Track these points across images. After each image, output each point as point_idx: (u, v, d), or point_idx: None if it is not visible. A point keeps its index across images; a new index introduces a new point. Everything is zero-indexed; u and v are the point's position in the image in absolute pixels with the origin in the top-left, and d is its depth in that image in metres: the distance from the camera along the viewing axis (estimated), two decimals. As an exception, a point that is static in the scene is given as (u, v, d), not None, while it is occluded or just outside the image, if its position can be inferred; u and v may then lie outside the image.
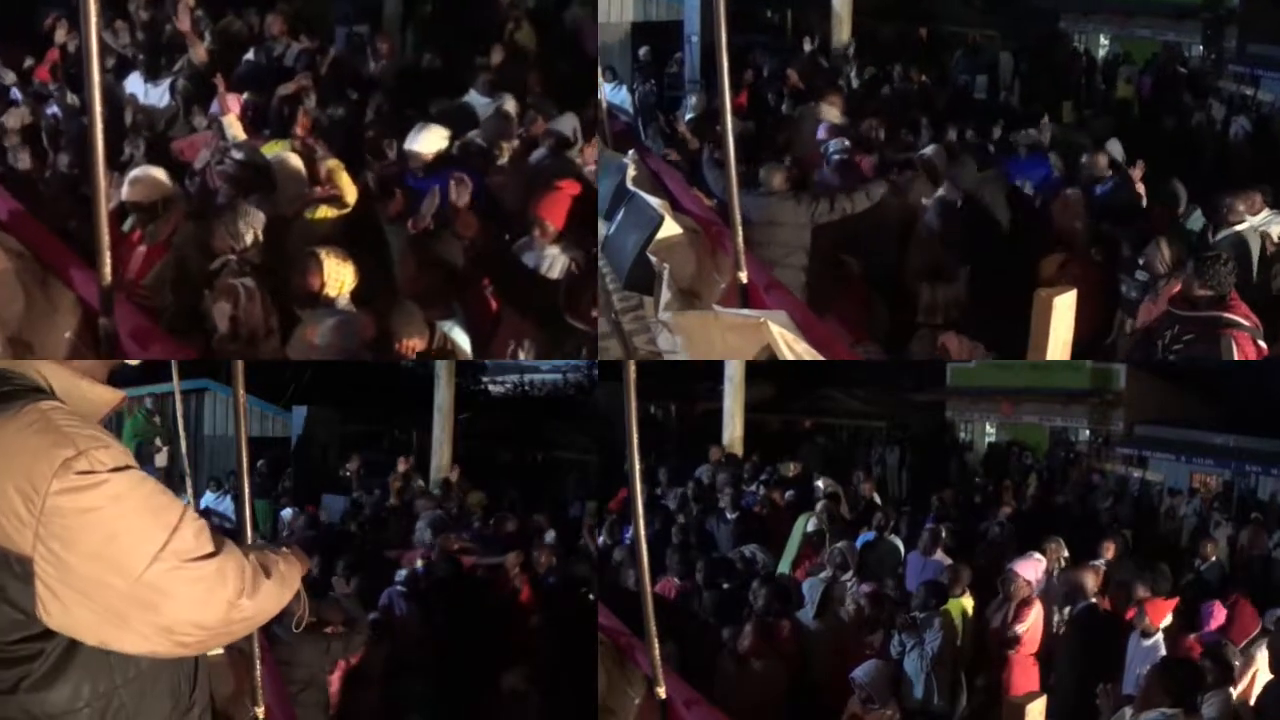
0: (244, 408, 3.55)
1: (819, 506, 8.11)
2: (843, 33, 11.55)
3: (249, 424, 3.74)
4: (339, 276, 4.57)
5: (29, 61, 7.43)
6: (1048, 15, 14.41)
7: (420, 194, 5.61)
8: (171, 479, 5.44)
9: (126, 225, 4.88)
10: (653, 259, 5.58)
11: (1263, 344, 5.07)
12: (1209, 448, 12.85)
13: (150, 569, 1.88)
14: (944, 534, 7.35)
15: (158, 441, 9.95)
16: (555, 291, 5.52)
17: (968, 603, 6.42)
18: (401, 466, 10.22)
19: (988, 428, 14.91)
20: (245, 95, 6.58)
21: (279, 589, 2.12)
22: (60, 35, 7.43)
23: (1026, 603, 6.20)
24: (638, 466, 4.12)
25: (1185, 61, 13.04)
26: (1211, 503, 10.68)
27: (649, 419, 13.72)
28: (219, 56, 7.20)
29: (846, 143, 7.58)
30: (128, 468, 1.91)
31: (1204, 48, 13.48)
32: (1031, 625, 6.17)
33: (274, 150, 5.87)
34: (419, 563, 7.34)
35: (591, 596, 6.98)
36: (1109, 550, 7.12)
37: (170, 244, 4.87)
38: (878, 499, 9.16)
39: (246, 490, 3.42)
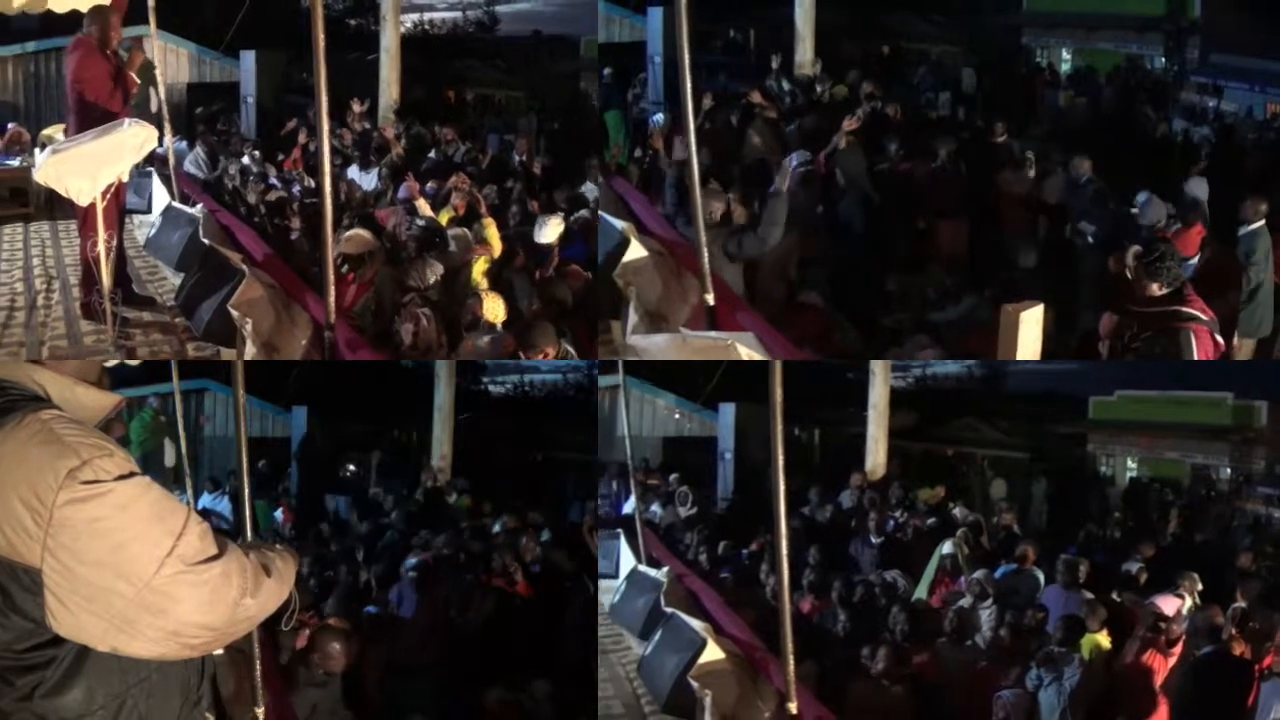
0: (244, 408, 3.60)
1: (958, 534, 7.90)
2: (806, 51, 11.25)
3: (249, 424, 3.82)
4: (495, 309, 5.93)
5: (280, 155, 9.20)
6: (1010, 30, 13.97)
7: (542, 253, 7.11)
8: (180, 478, 5.81)
9: (343, 269, 6.12)
10: (694, 684, 5.29)
11: (1219, 338, 4.92)
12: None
13: (157, 575, 1.83)
14: (1084, 568, 6.99)
15: (166, 441, 9.86)
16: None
17: (1104, 639, 6.10)
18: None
19: (1129, 462, 14.25)
20: (430, 184, 8.22)
21: (279, 586, 2.08)
22: (302, 138, 9.23)
23: (1173, 642, 5.82)
24: (782, 485, 4.01)
25: (1149, 73, 12.59)
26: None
27: (793, 440, 13.18)
28: (410, 154, 9.16)
29: (808, 154, 7.47)
30: (132, 475, 1.85)
31: (1166, 59, 13.08)
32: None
33: (444, 218, 7.39)
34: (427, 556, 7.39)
35: (591, 593, 6.93)
36: (1247, 591, 6.63)
37: (373, 283, 6.20)
38: (1017, 529, 8.83)
39: (246, 490, 3.43)
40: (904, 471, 11.22)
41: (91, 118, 6.22)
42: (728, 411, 12.01)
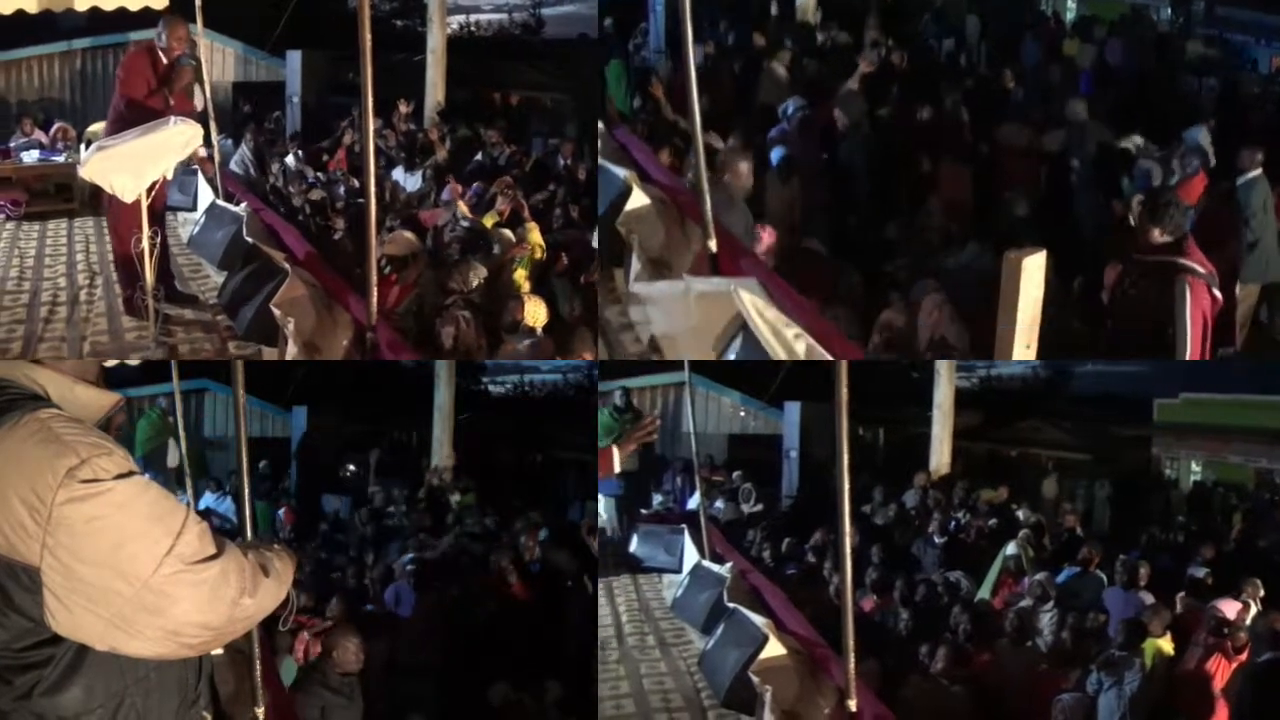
0: (244, 408, 3.57)
1: (1021, 536, 7.93)
2: (809, -1, 11.07)
3: (249, 424, 3.72)
4: (535, 313, 5.96)
5: (325, 156, 9.16)
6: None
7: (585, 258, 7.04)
8: (183, 478, 5.85)
9: (386, 270, 6.13)
10: (754, 679, 5.28)
11: (1217, 292, 4.93)
12: None
13: (156, 574, 1.83)
14: (1146, 571, 7.02)
15: (170, 441, 9.63)
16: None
17: (1166, 644, 6.06)
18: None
19: (1193, 465, 14.10)
20: (476, 185, 8.21)
21: (277, 586, 2.08)
22: (347, 139, 9.18)
23: (1239, 649, 5.74)
24: (846, 482, 4.02)
25: (1154, 24, 12.41)
26: None
27: (857, 439, 12.83)
28: (455, 156, 9.16)
29: (804, 100, 7.54)
30: (131, 474, 1.85)
31: (1172, 10, 12.90)
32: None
33: (489, 222, 7.34)
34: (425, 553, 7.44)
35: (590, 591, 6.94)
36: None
37: (416, 284, 6.23)
38: (1080, 531, 8.81)
39: (246, 490, 3.40)
40: (967, 472, 11.15)
41: (126, 115, 6.29)
42: (793, 410, 12.02)
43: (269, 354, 5.95)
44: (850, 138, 7.96)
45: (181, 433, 6.30)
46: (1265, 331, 7.49)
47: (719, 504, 9.82)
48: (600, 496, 9.91)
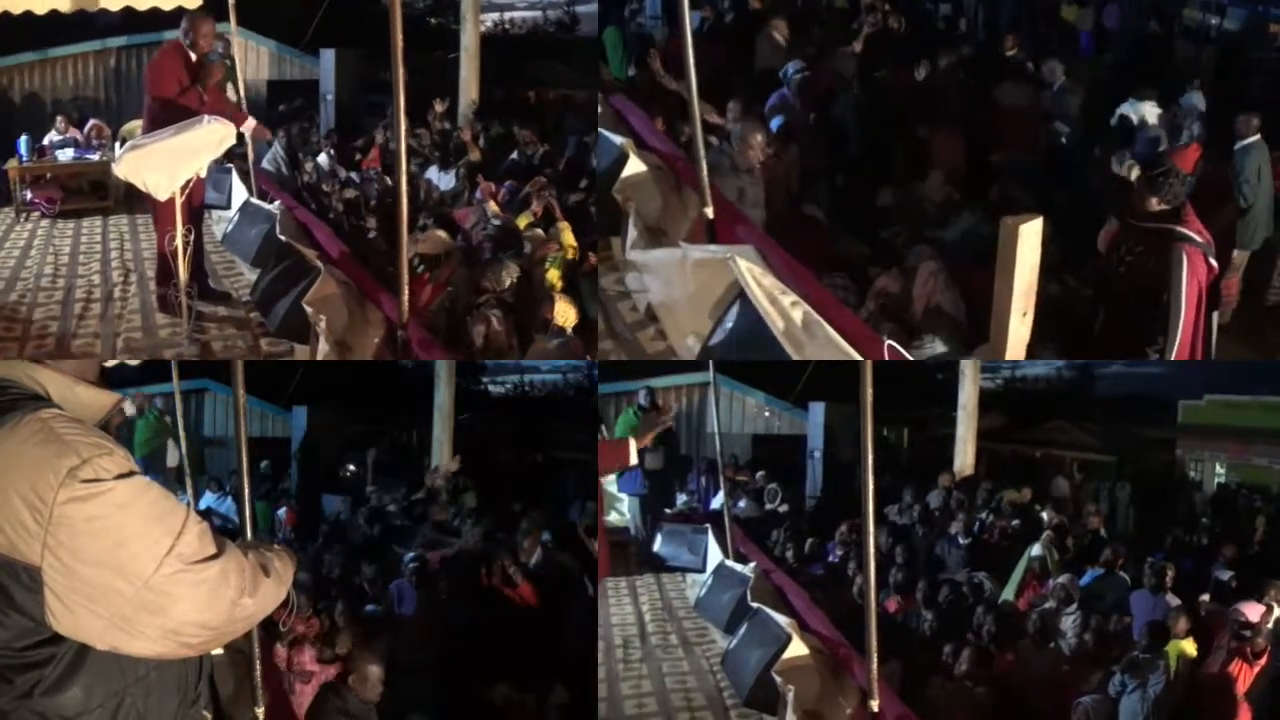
0: (244, 408, 3.58)
1: (1044, 537, 7.88)
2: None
3: (249, 424, 3.74)
4: (565, 313, 6.02)
5: (358, 155, 9.18)
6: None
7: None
8: (183, 478, 5.81)
9: (419, 269, 6.19)
10: (777, 679, 5.30)
11: (1213, 261, 4.92)
12: None
13: (156, 573, 1.83)
14: (1171, 573, 6.91)
15: (170, 441, 9.66)
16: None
17: (1189, 646, 5.98)
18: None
19: (1217, 467, 13.91)
20: (507, 183, 8.19)
21: (277, 586, 2.09)
22: (380, 137, 9.20)
23: (1259, 653, 5.68)
24: (871, 484, 4.03)
25: None
26: None
27: (881, 440, 12.42)
28: (488, 155, 9.10)
29: (802, 62, 7.41)
30: (131, 474, 1.86)
31: None
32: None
33: (524, 221, 7.33)
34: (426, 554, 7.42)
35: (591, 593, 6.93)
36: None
37: (448, 283, 6.26)
38: (1104, 533, 8.79)
39: (246, 490, 3.39)
40: (991, 473, 11.16)
41: (159, 114, 6.35)
42: (818, 410, 12.01)
43: (301, 352, 6.01)
44: (849, 102, 7.85)
45: (182, 433, 6.34)
46: (1255, 297, 7.48)
47: (742, 504, 9.81)
48: (624, 495, 9.99)
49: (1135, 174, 5.62)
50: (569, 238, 7.07)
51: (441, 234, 6.48)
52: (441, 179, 8.90)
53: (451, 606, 6.83)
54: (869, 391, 3.98)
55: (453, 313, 6.11)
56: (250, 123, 7.11)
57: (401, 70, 4.81)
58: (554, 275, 6.70)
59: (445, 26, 11.15)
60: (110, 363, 2.29)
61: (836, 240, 6.42)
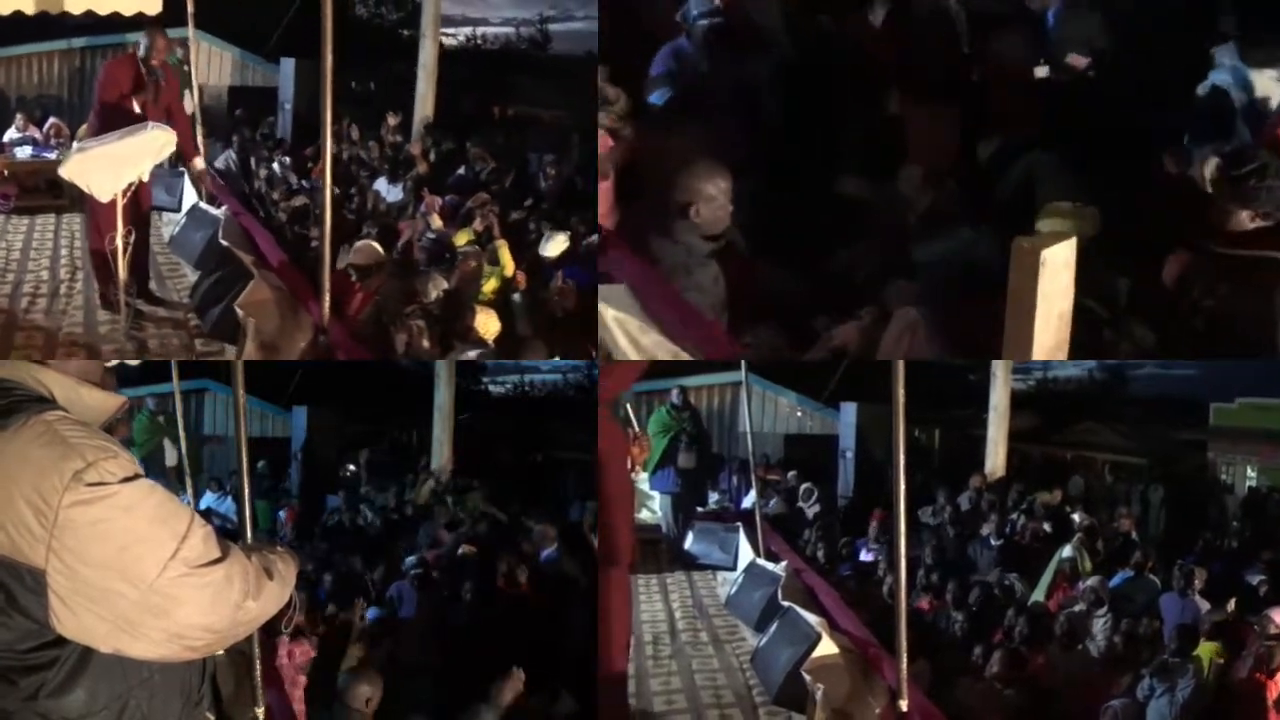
0: (244, 408, 3.57)
1: (1075, 539, 7.89)
2: None
3: (249, 424, 3.70)
4: (487, 325, 6.28)
5: (309, 164, 9.18)
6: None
7: (545, 269, 7.26)
8: (181, 478, 5.90)
9: (353, 278, 6.32)
10: (806, 677, 5.23)
11: None
12: None
13: (161, 577, 1.83)
14: (1201, 577, 6.91)
15: (166, 441, 9.71)
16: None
17: (1219, 651, 5.93)
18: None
19: (1249, 471, 13.78)
20: (450, 196, 8.39)
21: (280, 589, 2.08)
22: (331, 148, 9.13)
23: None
24: (903, 485, 3.96)
25: None
26: None
27: (913, 441, 12.22)
28: (437, 170, 9.29)
29: (716, 2, 5.30)
30: (137, 477, 1.85)
31: None
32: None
33: (464, 238, 7.55)
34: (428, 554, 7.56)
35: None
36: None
37: (377, 292, 6.32)
38: (1135, 536, 8.77)
39: (247, 490, 3.39)
40: (1023, 474, 11.11)
41: (106, 119, 6.58)
42: (849, 410, 11.99)
43: (230, 352, 6.18)
44: (774, 61, 5.43)
45: (181, 433, 6.45)
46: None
47: (774, 503, 9.82)
48: (656, 493, 10.10)
49: (1212, 172, 3.89)
50: (505, 255, 7.30)
51: (374, 245, 6.68)
52: (390, 191, 9.06)
53: (452, 608, 6.89)
54: (901, 392, 3.90)
55: (379, 321, 6.25)
56: (198, 162, 7.34)
57: (330, 80, 5.05)
58: (490, 289, 6.98)
59: (416, 39, 11.09)
60: (111, 362, 2.15)
61: (760, 273, 4.65)
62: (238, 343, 5.79)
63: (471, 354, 6.08)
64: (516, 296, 7.10)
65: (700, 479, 10.28)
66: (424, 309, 6.25)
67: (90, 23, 9.60)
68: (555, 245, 7.44)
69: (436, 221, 7.77)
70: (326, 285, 5.32)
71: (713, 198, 4.35)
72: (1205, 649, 5.84)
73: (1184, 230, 3.91)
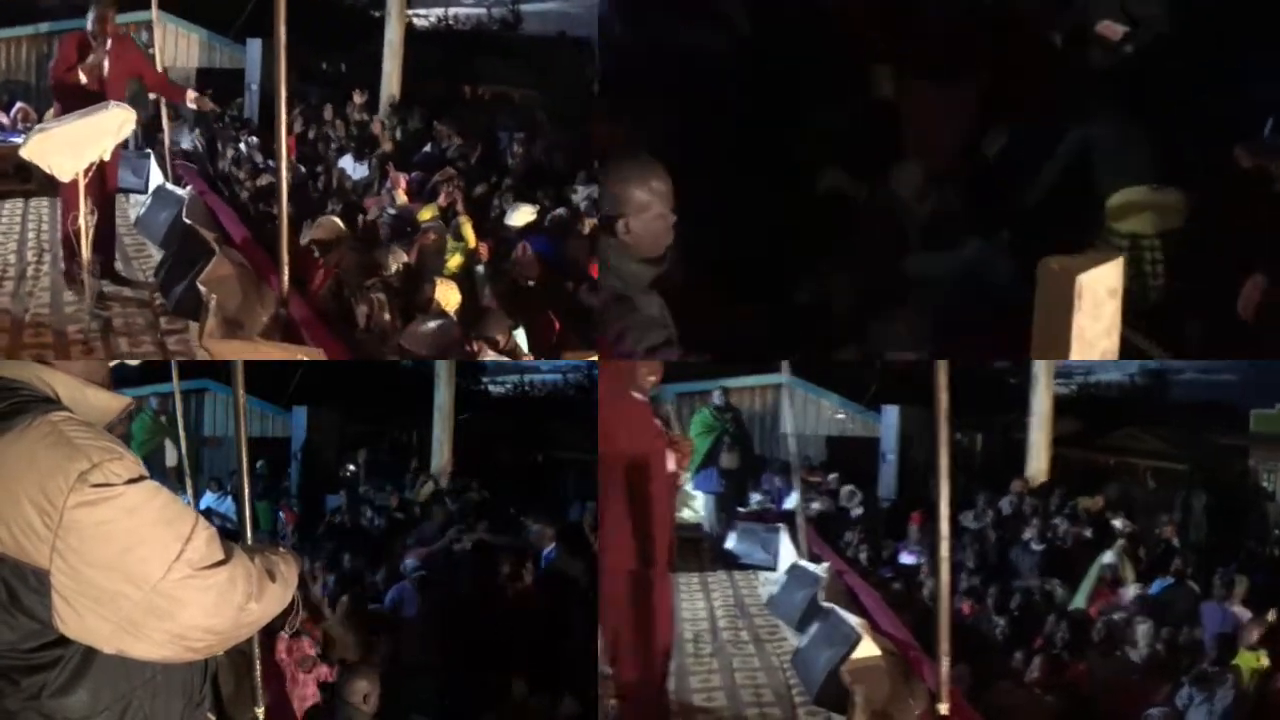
0: (244, 408, 3.61)
1: (1117, 546, 8.00)
2: None
3: (249, 424, 3.71)
4: (447, 296, 6.32)
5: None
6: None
7: (509, 240, 7.39)
8: (181, 478, 6.08)
9: (315, 254, 6.61)
10: (846, 678, 5.35)
11: None
12: None
13: (165, 579, 1.86)
14: (1243, 585, 7.00)
15: (167, 442, 9.90)
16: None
17: (1263, 660, 6.01)
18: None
19: None
20: (415, 173, 8.71)
21: (283, 590, 2.11)
22: (298, 126, 9.60)
23: None
24: (945, 488, 3.98)
25: None
26: None
27: (954, 444, 12.64)
28: (402, 147, 9.69)
29: None
30: (141, 478, 1.89)
31: None
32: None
33: (428, 213, 7.81)
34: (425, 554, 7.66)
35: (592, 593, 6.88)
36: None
37: (338, 267, 6.57)
38: (1177, 543, 8.86)
39: (246, 490, 3.42)
40: (1064, 478, 11.20)
41: (62, 98, 6.78)
42: (891, 413, 12.17)
43: (194, 329, 6.33)
44: (728, 31, 4.69)
45: (182, 433, 6.52)
46: None
47: (816, 504, 9.95)
48: (699, 493, 10.34)
49: None
50: (468, 230, 7.42)
51: (335, 220, 6.89)
52: (355, 169, 9.36)
53: (453, 608, 7.02)
54: (944, 395, 3.92)
55: (340, 295, 6.39)
56: (191, 94, 7.50)
57: (283, 54, 5.32)
58: (454, 263, 7.13)
59: (386, 19, 11.37)
60: (111, 363, 2.30)
61: (724, 307, 4.03)
62: (200, 319, 5.97)
63: (432, 325, 5.88)
64: (480, 268, 7.19)
65: (742, 479, 10.46)
66: (384, 281, 6.38)
67: (58, 7, 9.65)
68: (520, 215, 7.60)
69: (401, 197, 8.01)
70: (284, 259, 5.52)
71: (645, 205, 3.18)
72: (1245, 658, 5.91)
73: (1261, 244, 3.19)
